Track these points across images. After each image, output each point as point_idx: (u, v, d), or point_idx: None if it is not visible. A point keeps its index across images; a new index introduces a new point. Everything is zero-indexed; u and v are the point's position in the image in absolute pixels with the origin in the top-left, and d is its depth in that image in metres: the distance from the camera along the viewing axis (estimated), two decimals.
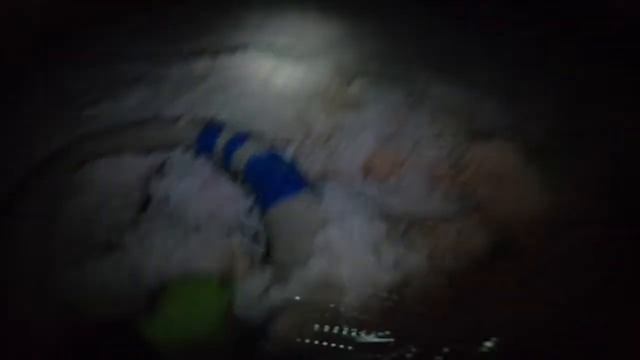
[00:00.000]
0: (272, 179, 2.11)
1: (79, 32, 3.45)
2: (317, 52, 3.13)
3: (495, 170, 2.24)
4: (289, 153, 2.30)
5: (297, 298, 1.73)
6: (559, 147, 2.38)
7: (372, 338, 1.65)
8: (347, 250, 1.83)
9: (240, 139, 2.31)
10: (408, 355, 1.62)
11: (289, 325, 1.64)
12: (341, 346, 1.63)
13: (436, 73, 2.80)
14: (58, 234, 2.10)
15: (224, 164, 2.32)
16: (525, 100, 2.64)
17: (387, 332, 1.66)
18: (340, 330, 1.65)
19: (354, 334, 1.65)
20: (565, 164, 2.27)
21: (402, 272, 1.81)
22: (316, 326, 1.66)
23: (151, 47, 3.30)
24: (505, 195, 2.14)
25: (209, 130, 2.41)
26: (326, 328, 1.66)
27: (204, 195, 2.16)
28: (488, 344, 1.63)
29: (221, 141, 2.33)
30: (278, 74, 2.90)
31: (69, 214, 2.19)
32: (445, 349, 1.62)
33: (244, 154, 2.23)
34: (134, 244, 1.97)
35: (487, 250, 1.93)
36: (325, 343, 1.64)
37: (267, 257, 1.94)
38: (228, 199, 2.15)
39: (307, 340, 1.64)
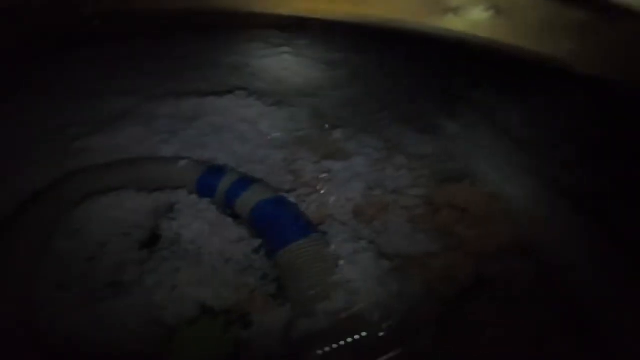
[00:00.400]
0: (281, 222, 2.30)
1: (63, 56, 3.49)
2: (294, 97, 3.38)
3: (467, 209, 2.56)
4: (292, 198, 2.49)
5: (326, 328, 1.92)
6: (520, 186, 2.72)
7: None
8: (362, 284, 2.06)
9: (243, 183, 2.50)
10: None
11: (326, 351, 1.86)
12: None
13: (407, 122, 3.11)
14: (48, 275, 2.15)
15: (226, 207, 2.49)
16: (486, 145, 2.98)
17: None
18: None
19: None
20: (528, 199, 2.62)
21: (405, 301, 2.06)
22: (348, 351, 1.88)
23: (137, 81, 3.41)
24: (479, 232, 2.44)
25: (210, 174, 2.58)
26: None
27: (214, 237, 2.31)
28: None
29: (223, 185, 2.51)
30: (264, 119, 3.11)
31: (69, 252, 2.25)
32: None
33: (249, 199, 2.41)
34: (151, 283, 2.09)
35: (470, 281, 2.22)
36: None
37: (279, 294, 2.14)
38: (236, 241, 2.32)
39: None
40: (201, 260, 2.22)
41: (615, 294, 2.13)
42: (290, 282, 2.13)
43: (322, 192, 2.62)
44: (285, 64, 3.79)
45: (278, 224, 2.31)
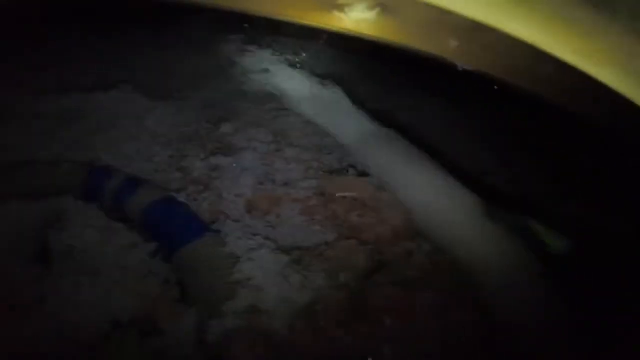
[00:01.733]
0: (174, 223, 2.23)
1: None
2: (183, 90, 3.25)
3: (358, 198, 2.58)
4: (182, 198, 2.39)
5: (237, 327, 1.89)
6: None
7: None
8: (263, 281, 2.05)
9: (131, 185, 2.38)
10: None
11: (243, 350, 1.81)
12: None
13: (294, 115, 3.07)
14: None
15: (115, 210, 2.35)
16: None
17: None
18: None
19: None
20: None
21: (309, 292, 2.07)
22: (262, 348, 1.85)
23: (14, 77, 3.11)
24: (369, 220, 2.49)
25: (95, 176, 2.43)
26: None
27: (107, 245, 2.19)
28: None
29: (110, 187, 2.37)
30: (150, 114, 2.96)
31: None
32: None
33: (138, 200, 2.31)
34: (55, 302, 1.95)
35: (367, 267, 2.25)
36: None
37: (183, 298, 2.06)
38: (130, 247, 2.21)
39: None
40: (98, 271, 2.09)
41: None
42: (191, 285, 2.08)
43: (212, 189, 2.53)
44: (174, 56, 3.62)
45: (171, 225, 2.25)
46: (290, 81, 3.27)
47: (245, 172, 2.64)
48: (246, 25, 3.66)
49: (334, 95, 3.25)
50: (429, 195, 2.52)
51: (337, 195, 2.58)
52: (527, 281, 2.11)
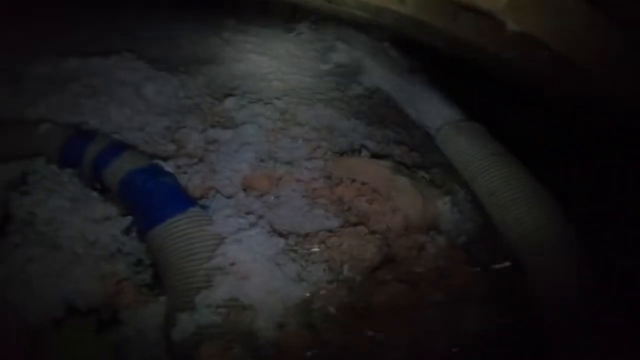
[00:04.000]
0: (155, 196, 1.81)
1: None
2: (189, 65, 2.85)
3: (368, 182, 2.16)
4: (169, 168, 1.99)
5: (211, 323, 1.47)
6: (421, 160, 2.40)
7: None
8: (250, 267, 1.63)
9: (113, 151, 1.98)
10: None
11: (215, 353, 1.38)
12: None
13: (305, 94, 2.67)
14: None
15: (94, 178, 1.96)
16: (388, 123, 2.60)
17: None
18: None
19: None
20: (430, 173, 2.29)
21: (305, 285, 1.66)
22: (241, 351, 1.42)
23: (13, 39, 2.78)
24: (381, 206, 2.07)
25: (76, 140, 2.04)
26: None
27: (75, 215, 1.78)
28: None
29: (90, 153, 1.98)
30: (149, 83, 2.55)
31: None
32: None
33: (118, 168, 1.91)
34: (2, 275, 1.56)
35: (375, 257, 1.85)
36: None
37: (155, 283, 1.67)
38: (102, 220, 1.81)
39: None
40: (59, 245, 1.68)
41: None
42: (164, 268, 1.65)
43: (207, 162, 2.13)
44: (185, 31, 3.26)
45: (150, 198, 1.82)
46: None
47: (245, 147, 2.24)
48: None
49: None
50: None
51: (345, 178, 2.17)
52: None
